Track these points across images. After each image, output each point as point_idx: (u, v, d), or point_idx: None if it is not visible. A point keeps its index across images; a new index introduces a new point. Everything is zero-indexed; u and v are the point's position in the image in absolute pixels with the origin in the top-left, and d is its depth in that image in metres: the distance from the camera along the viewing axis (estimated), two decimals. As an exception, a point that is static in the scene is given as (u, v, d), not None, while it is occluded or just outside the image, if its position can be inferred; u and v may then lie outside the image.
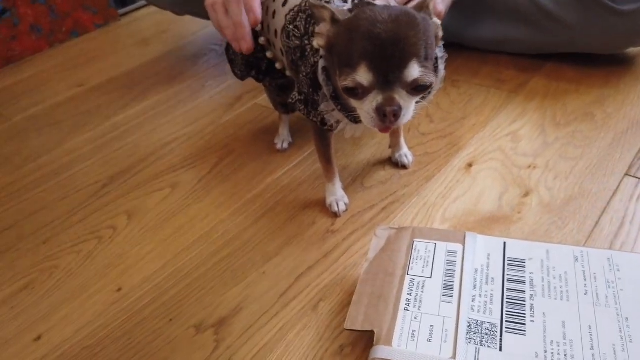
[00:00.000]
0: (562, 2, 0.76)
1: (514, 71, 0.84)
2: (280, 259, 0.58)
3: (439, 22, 0.47)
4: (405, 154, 0.68)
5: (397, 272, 0.47)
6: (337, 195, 0.63)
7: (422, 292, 0.45)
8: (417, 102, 0.48)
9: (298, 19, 0.54)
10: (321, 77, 0.51)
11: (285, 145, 0.75)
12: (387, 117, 0.44)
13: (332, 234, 0.60)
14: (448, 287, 0.45)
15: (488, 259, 0.47)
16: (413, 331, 0.42)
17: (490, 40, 0.87)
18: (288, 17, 0.55)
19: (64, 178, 0.78)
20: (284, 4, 0.57)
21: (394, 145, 0.69)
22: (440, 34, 0.47)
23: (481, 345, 0.40)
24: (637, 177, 0.60)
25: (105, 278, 0.59)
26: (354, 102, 0.47)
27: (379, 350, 0.41)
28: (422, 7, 0.45)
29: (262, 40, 0.62)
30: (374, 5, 0.46)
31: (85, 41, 1.26)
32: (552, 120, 0.72)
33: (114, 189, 0.73)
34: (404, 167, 0.68)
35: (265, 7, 0.61)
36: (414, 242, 0.50)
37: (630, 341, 0.39)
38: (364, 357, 0.45)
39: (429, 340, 0.41)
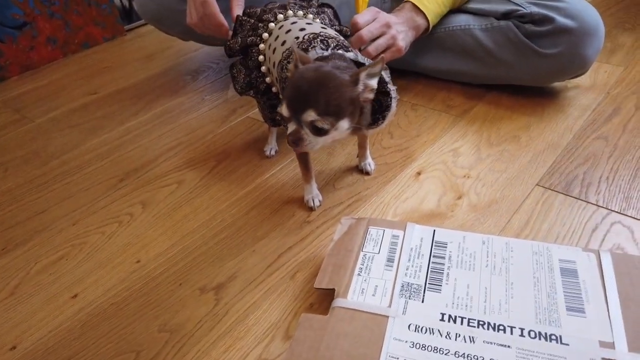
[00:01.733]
0: (501, 44, 0.94)
1: (462, 98, 1.02)
2: (267, 241, 0.74)
3: (371, 84, 0.62)
4: (369, 163, 0.85)
5: (355, 249, 0.64)
6: (313, 194, 0.79)
7: (371, 263, 0.62)
8: (372, 127, 0.66)
9: (290, 57, 0.70)
10: None
11: (273, 152, 0.92)
12: (294, 143, 0.62)
13: (308, 224, 0.76)
14: (390, 260, 0.62)
15: (421, 241, 0.64)
16: (363, 289, 0.58)
17: (444, 71, 1.05)
18: (284, 54, 0.72)
19: (86, 172, 0.93)
20: (282, 44, 0.74)
21: (361, 155, 0.85)
22: (369, 94, 0.63)
23: (409, 298, 0.57)
24: (544, 187, 0.78)
25: (126, 252, 0.74)
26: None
27: (338, 302, 0.57)
28: (375, 64, 0.61)
29: (264, 68, 0.78)
30: (334, 59, 0.65)
31: (95, 53, 1.41)
32: (487, 140, 0.90)
33: (129, 183, 0.89)
34: (367, 173, 0.84)
35: (268, 44, 0.77)
36: (368, 228, 0.67)
37: (512, 297, 0.56)
38: (328, 308, 0.61)
39: (374, 295, 0.57)
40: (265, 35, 0.77)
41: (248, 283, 0.67)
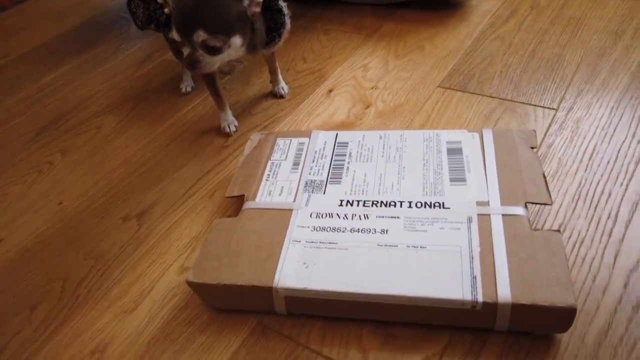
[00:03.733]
0: None
1: (371, 19, 1.05)
2: (187, 168, 0.77)
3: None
4: (282, 87, 0.88)
5: (263, 160, 0.67)
6: (229, 120, 0.82)
7: (279, 169, 0.66)
8: (270, 46, 0.68)
9: None
10: None
11: (189, 89, 0.94)
12: (190, 65, 0.65)
13: (225, 148, 0.80)
14: (296, 164, 0.66)
15: (324, 144, 0.68)
16: (270, 191, 0.62)
17: None
18: None
19: (2, 131, 0.92)
20: None
21: (273, 80, 0.88)
22: (256, 7, 0.66)
23: (312, 192, 0.61)
24: (444, 87, 0.83)
25: (47, 197, 0.76)
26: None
27: (247, 204, 0.61)
28: None
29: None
30: None
31: (3, 18, 1.35)
32: (394, 53, 0.94)
33: (47, 135, 0.89)
34: (281, 97, 0.88)
35: None
36: (276, 140, 0.70)
37: (403, 179, 0.61)
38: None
39: (280, 195, 0.62)
40: None
41: (169, 207, 0.71)
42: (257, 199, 0.62)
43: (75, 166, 0.81)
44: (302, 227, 0.57)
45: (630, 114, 0.72)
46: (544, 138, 0.71)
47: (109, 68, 1.06)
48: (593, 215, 0.59)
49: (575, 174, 0.65)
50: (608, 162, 0.65)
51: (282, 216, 0.59)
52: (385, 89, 0.85)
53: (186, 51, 0.65)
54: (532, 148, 0.62)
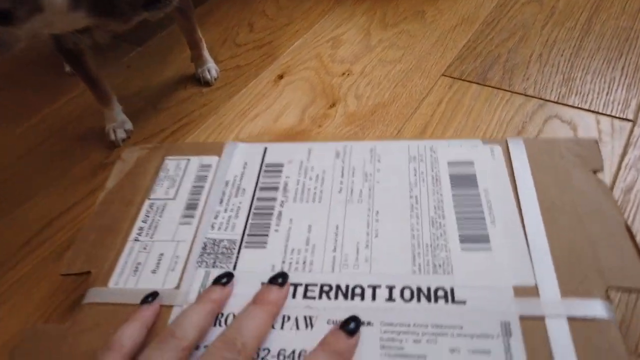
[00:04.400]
0: None
1: None
2: (39, 199, 0.50)
3: None
4: (209, 68, 0.61)
5: (137, 198, 0.39)
6: (117, 122, 0.55)
7: (161, 216, 0.38)
8: (153, 8, 0.40)
9: None
10: None
11: None
12: None
13: (103, 169, 0.52)
14: (191, 207, 0.38)
15: (244, 168, 0.40)
16: (138, 264, 0.35)
17: None
18: None
19: None
20: None
21: (196, 58, 0.61)
22: None
23: (213, 267, 0.34)
24: (452, 77, 0.56)
25: None
26: None
27: (91, 293, 0.33)
28: None
29: None
30: None
31: None
32: (380, 21, 0.66)
33: None
34: (207, 83, 0.60)
35: None
36: (164, 160, 0.42)
37: (376, 236, 0.34)
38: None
39: (154, 272, 0.34)
40: None
41: None
42: (112, 283, 0.34)
43: None
44: (187, 347, 0.29)
45: None
46: (618, 170, 0.43)
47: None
48: None
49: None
50: None
51: (149, 322, 0.31)
52: (362, 77, 0.57)
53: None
54: (595, 172, 0.36)
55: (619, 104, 0.50)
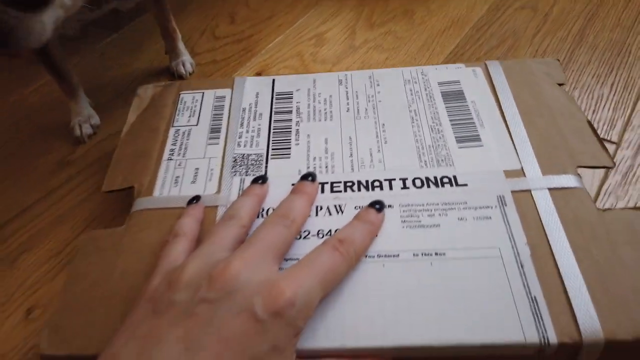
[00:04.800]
0: None
1: None
2: None
3: None
4: (184, 61, 0.60)
5: (162, 126, 0.43)
6: (82, 116, 0.53)
7: (188, 139, 0.41)
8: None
9: None
10: None
11: None
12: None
13: (66, 166, 0.51)
14: (215, 130, 0.42)
15: (257, 97, 0.45)
16: (177, 177, 0.38)
17: None
18: None
19: None
20: None
21: (170, 50, 0.60)
22: None
23: (246, 175, 0.38)
24: None
25: None
26: None
27: (139, 203, 0.37)
28: None
29: None
30: None
31: None
32: (367, 20, 0.66)
33: None
34: (180, 77, 0.60)
35: None
36: (180, 95, 0.46)
37: (385, 142, 0.40)
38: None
39: (193, 182, 0.38)
40: None
41: None
42: (156, 193, 0.37)
43: None
44: (236, 235, 0.34)
45: None
46: (597, 196, 0.43)
47: None
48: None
49: None
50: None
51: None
52: (345, 79, 0.59)
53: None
54: (561, 85, 0.43)
55: (604, 124, 0.49)
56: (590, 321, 0.28)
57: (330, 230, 0.34)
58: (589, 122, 0.39)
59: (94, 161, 0.51)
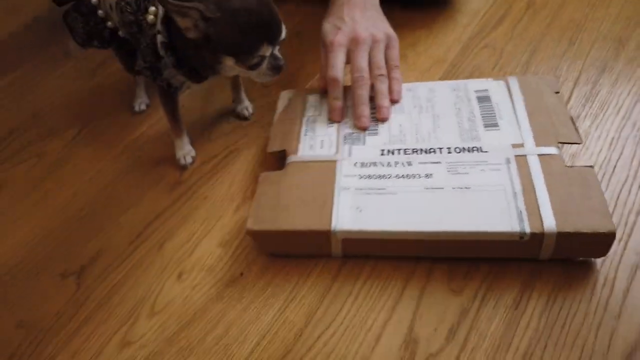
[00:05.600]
0: None
1: None
2: (134, 210, 0.67)
3: None
4: (247, 106, 0.76)
5: (298, 117, 0.69)
6: (185, 150, 0.70)
7: (315, 124, 0.67)
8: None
9: None
10: (162, 51, 0.58)
11: (143, 106, 0.81)
12: (281, 68, 0.59)
13: (180, 185, 0.69)
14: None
15: (356, 99, 0.70)
16: (311, 145, 0.64)
17: None
18: None
19: None
20: None
21: (235, 98, 0.76)
22: None
23: (353, 144, 0.64)
24: None
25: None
26: (247, 71, 0.58)
27: (291, 158, 0.63)
28: None
29: (100, 12, 0.67)
30: None
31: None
32: None
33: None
34: (245, 118, 0.76)
35: None
36: (307, 97, 0.72)
37: (439, 127, 0.64)
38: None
39: (321, 147, 0.64)
40: None
41: (112, 261, 0.62)
42: (300, 153, 0.64)
43: (11, 205, 0.71)
44: (349, 176, 0.59)
45: (632, 148, 0.64)
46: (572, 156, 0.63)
47: (60, 76, 0.92)
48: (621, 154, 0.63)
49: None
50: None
51: (327, 167, 0.61)
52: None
53: (271, 61, 0.58)
54: (556, 93, 0.66)
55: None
56: (549, 221, 0.51)
57: (405, 175, 0.58)
58: (571, 118, 0.62)
59: (198, 180, 0.70)
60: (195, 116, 0.78)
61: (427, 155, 0.60)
